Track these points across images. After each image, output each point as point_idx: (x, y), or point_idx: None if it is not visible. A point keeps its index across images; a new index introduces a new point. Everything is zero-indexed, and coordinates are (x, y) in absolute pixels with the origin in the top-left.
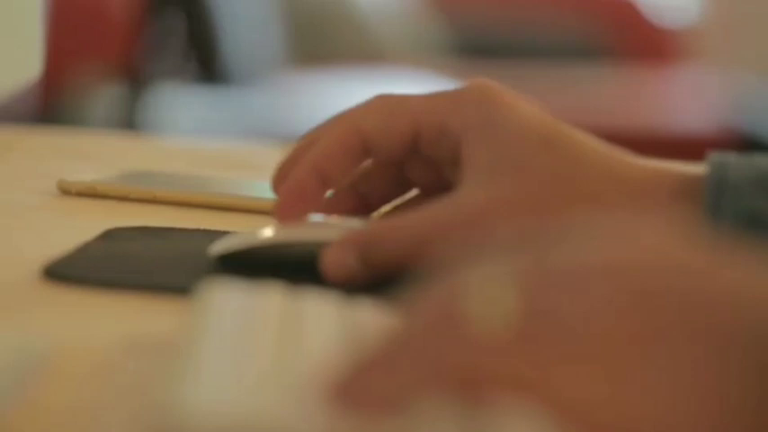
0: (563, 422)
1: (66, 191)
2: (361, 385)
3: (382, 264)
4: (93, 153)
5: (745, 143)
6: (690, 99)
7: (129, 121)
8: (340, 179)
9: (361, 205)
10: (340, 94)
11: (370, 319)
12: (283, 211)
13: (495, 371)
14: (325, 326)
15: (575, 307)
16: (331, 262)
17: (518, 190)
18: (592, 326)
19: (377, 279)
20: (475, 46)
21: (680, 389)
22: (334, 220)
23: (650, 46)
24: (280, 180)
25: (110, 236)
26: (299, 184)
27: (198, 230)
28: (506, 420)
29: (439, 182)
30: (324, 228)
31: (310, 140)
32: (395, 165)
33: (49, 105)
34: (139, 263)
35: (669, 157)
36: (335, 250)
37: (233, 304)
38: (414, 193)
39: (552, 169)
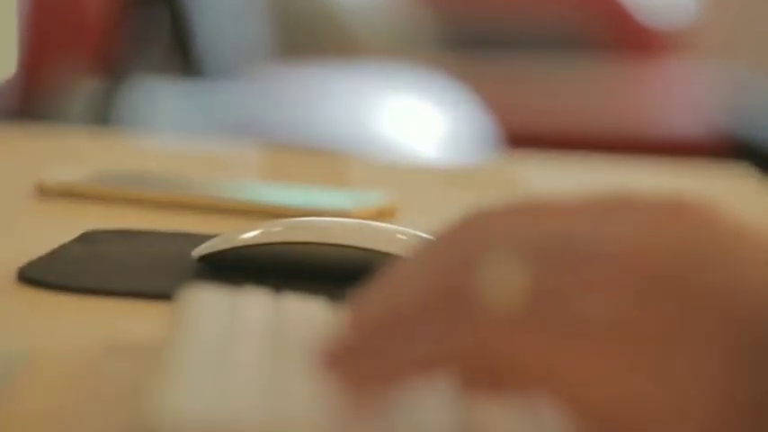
0: (578, 416)
1: (45, 191)
2: (359, 356)
3: None
4: (73, 153)
5: (737, 147)
6: (680, 99)
7: (108, 117)
8: None
9: None
10: (323, 88)
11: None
12: None
13: (510, 357)
14: (307, 332)
15: (591, 294)
16: None
17: None
18: (609, 313)
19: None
20: (461, 39)
21: (696, 384)
22: (320, 219)
23: (641, 44)
24: None
25: (87, 238)
26: None
27: (178, 234)
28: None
29: None
30: (308, 228)
31: None
32: None
33: (26, 101)
34: (117, 267)
35: (656, 158)
36: None
37: (214, 310)
38: None
39: None
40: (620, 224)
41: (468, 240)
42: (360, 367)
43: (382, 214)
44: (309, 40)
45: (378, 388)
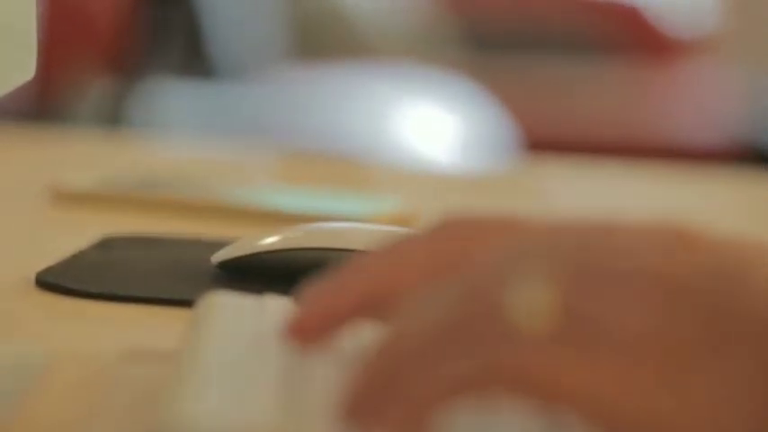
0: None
1: (61, 196)
2: (388, 388)
3: None
4: (88, 157)
5: (754, 154)
6: (699, 105)
7: (121, 118)
8: None
9: None
10: (339, 90)
11: (373, 332)
12: None
13: (545, 378)
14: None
15: (621, 309)
16: None
17: None
18: (639, 327)
19: None
20: (480, 42)
21: (726, 398)
22: (340, 224)
23: (660, 50)
24: None
25: (105, 244)
26: None
27: (196, 239)
28: None
29: None
30: (329, 234)
31: None
32: None
33: (40, 102)
34: (135, 272)
35: (674, 164)
36: None
37: (234, 317)
38: None
39: None
40: (642, 242)
41: (491, 254)
42: (392, 398)
43: (401, 220)
44: (324, 41)
45: (418, 416)
